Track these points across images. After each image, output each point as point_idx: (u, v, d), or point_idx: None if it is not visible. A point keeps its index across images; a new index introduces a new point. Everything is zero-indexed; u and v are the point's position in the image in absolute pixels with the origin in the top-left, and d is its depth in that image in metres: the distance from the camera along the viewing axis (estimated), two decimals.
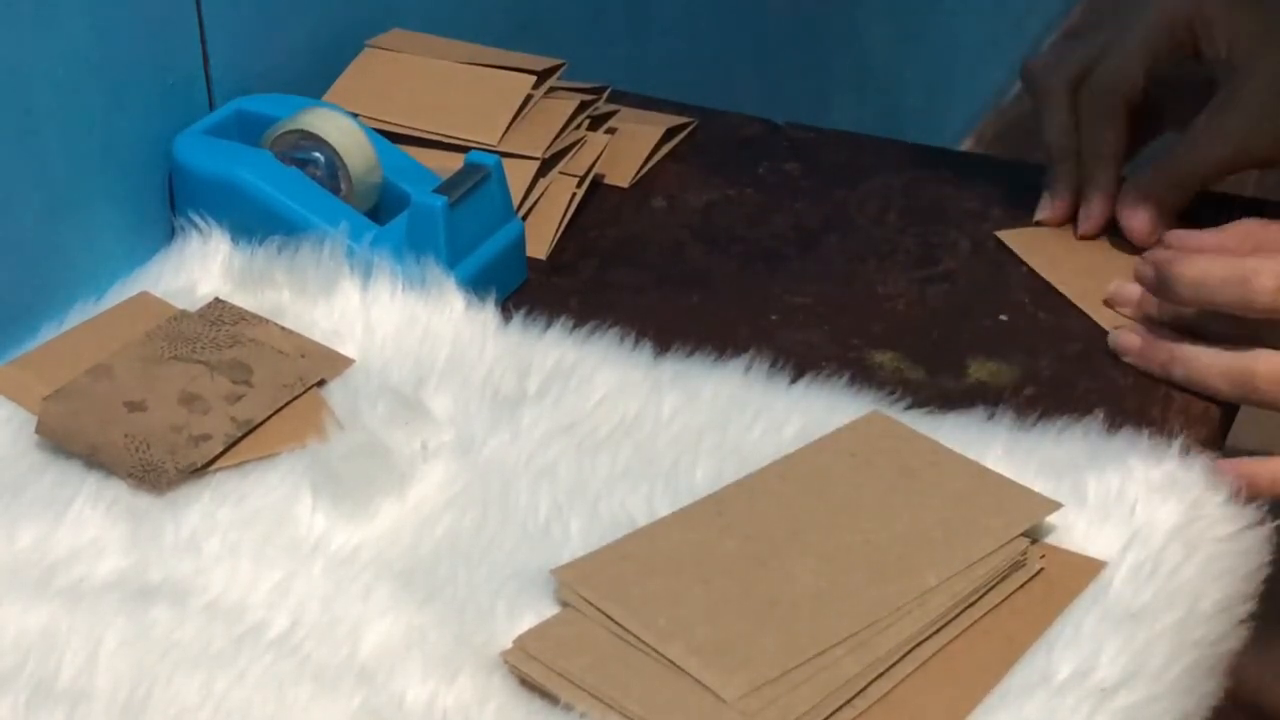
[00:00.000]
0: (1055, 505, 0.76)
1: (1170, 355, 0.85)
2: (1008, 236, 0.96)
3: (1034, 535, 0.75)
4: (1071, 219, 0.96)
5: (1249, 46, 0.93)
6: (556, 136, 0.98)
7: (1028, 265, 0.94)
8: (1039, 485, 0.78)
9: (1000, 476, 0.78)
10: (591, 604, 0.71)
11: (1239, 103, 0.93)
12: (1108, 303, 0.90)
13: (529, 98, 0.99)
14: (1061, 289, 0.92)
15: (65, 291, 0.90)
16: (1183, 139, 0.95)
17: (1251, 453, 0.81)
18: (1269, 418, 0.85)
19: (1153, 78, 0.96)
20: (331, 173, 0.92)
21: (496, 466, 0.81)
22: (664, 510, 0.77)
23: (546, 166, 0.97)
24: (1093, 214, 0.95)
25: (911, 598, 0.71)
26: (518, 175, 0.95)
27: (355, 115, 0.95)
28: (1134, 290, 0.88)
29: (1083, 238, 0.96)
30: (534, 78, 1.00)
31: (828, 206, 1.00)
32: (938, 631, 0.71)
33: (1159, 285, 0.86)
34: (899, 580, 0.72)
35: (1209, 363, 0.84)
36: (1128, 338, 0.87)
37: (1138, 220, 0.93)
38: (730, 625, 0.70)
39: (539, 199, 0.97)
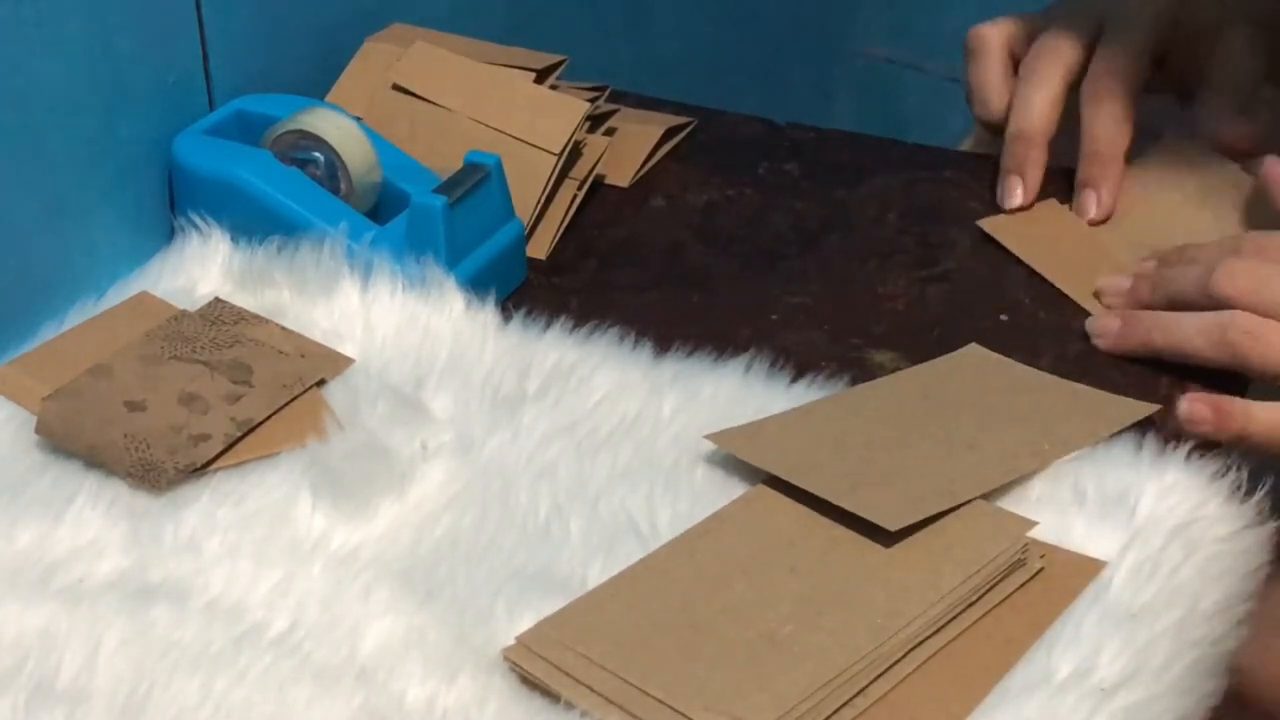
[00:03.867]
0: (1031, 523, 0.75)
1: (1150, 324, 0.86)
2: (990, 225, 0.96)
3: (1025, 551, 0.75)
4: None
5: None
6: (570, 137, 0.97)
7: (1016, 255, 0.95)
8: (1038, 485, 0.78)
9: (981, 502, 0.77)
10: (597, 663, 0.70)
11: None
12: (1097, 294, 0.91)
13: None
14: (1049, 276, 0.93)
15: (65, 291, 0.90)
16: (1216, 59, 0.98)
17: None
18: None
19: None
20: (331, 173, 0.92)
21: (496, 466, 0.80)
22: (664, 510, 0.77)
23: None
24: (1103, 202, 0.97)
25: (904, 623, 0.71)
26: (534, 174, 0.95)
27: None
28: (1123, 283, 0.90)
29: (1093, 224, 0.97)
30: (533, 75, 1.00)
31: (828, 206, 1.00)
32: (938, 631, 0.71)
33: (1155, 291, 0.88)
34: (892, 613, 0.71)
35: (1185, 323, 0.85)
36: (1105, 322, 0.88)
37: (1243, 132, 0.96)
38: (731, 672, 0.69)
39: (541, 198, 0.97)
